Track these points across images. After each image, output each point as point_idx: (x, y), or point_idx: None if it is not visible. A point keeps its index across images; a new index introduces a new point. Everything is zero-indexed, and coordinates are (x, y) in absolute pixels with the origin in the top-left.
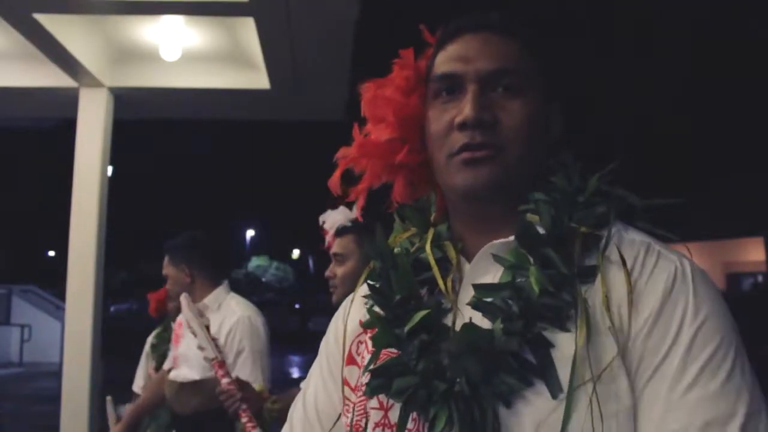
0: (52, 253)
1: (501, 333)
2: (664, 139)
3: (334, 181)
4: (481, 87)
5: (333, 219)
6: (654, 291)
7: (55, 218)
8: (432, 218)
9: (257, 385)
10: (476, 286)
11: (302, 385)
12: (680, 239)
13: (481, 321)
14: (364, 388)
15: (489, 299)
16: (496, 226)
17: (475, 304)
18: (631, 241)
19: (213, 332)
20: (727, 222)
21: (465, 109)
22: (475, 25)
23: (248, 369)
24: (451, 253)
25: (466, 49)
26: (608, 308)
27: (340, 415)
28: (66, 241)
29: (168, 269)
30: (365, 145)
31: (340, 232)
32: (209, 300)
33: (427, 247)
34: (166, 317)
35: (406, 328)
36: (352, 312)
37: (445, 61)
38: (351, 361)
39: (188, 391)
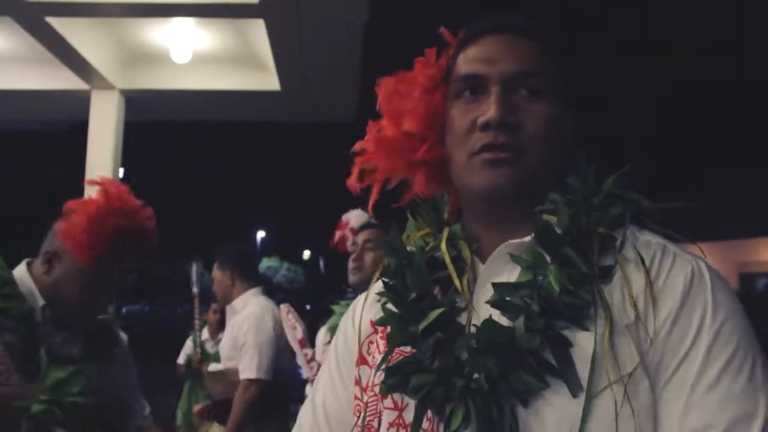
0: None
1: (522, 330)
2: (676, 138)
3: (353, 180)
4: (504, 88)
5: (358, 217)
6: (672, 291)
7: None
8: (446, 217)
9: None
10: (496, 285)
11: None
12: (692, 240)
13: (498, 320)
14: (376, 388)
15: (509, 297)
16: (512, 227)
17: (496, 302)
18: (647, 242)
19: (231, 325)
20: (740, 222)
21: (489, 110)
22: (497, 26)
23: (247, 358)
24: (466, 252)
25: (490, 50)
26: (635, 306)
27: (357, 418)
28: None
29: (215, 272)
30: (382, 141)
31: (365, 226)
32: (238, 301)
33: (443, 245)
34: None
35: (421, 326)
36: (363, 312)
37: (468, 61)
38: (362, 360)
39: (214, 379)
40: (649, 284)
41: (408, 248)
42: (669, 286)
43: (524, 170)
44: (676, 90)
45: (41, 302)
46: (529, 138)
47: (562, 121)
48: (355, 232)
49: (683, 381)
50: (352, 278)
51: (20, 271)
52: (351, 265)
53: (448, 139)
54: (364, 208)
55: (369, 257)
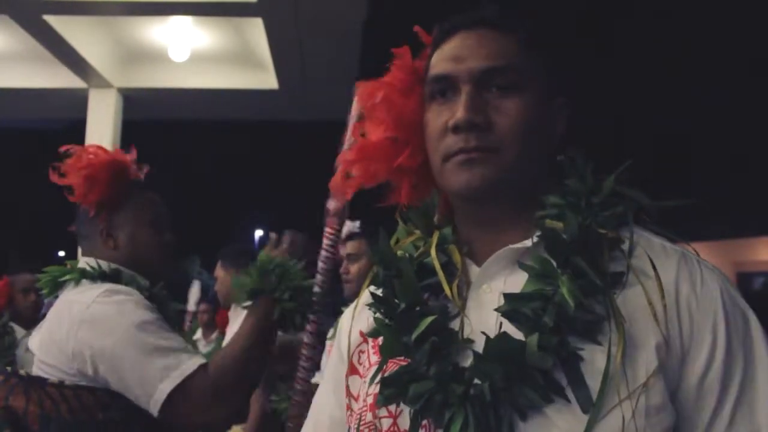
0: (62, 253)
1: (535, 348)
2: (676, 137)
3: (336, 183)
4: (475, 87)
5: (345, 227)
6: (709, 313)
7: (65, 218)
8: (436, 220)
9: None
10: (507, 296)
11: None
12: (689, 239)
13: (494, 326)
14: (369, 398)
15: (520, 308)
16: (503, 228)
17: (507, 313)
18: (661, 247)
19: (240, 323)
20: (738, 221)
21: (458, 111)
22: (469, 21)
23: None
24: (456, 257)
25: (460, 47)
26: (654, 317)
27: (349, 429)
28: (75, 240)
29: (219, 272)
30: (365, 147)
31: (350, 237)
32: None
33: (432, 251)
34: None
35: (414, 335)
36: (353, 322)
37: (439, 61)
38: (353, 370)
39: None
40: (664, 295)
41: (398, 253)
42: (704, 304)
43: (499, 168)
44: (675, 89)
45: (147, 283)
46: (502, 136)
47: (545, 115)
48: (342, 244)
49: (733, 411)
50: (345, 292)
51: (107, 268)
52: (343, 278)
53: (426, 143)
54: (351, 218)
55: (354, 269)
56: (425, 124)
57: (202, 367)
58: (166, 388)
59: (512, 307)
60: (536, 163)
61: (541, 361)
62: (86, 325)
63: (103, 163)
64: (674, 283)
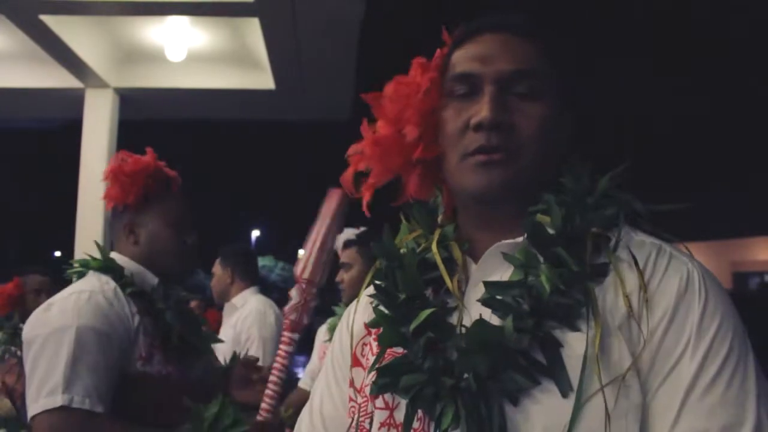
0: (58, 254)
1: (512, 330)
2: (672, 138)
3: (347, 179)
4: (499, 88)
5: (339, 238)
6: (667, 293)
7: (61, 219)
8: (439, 219)
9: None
10: (487, 284)
11: (300, 384)
12: (687, 239)
13: (489, 320)
14: (367, 389)
15: (500, 297)
16: (505, 227)
17: (486, 301)
18: (641, 242)
19: (232, 323)
20: (734, 222)
21: (482, 110)
22: (494, 25)
23: (252, 351)
24: (457, 253)
25: (486, 48)
26: (629, 305)
27: (352, 420)
28: (72, 241)
29: (216, 269)
30: (377, 141)
31: (346, 245)
32: (237, 299)
33: (434, 246)
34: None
35: (412, 327)
36: (357, 315)
37: (463, 60)
38: (356, 363)
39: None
40: (643, 284)
41: (401, 250)
42: (663, 287)
43: (517, 172)
44: (673, 89)
45: (155, 280)
46: (522, 139)
47: (559, 122)
48: (341, 251)
49: (676, 386)
50: (344, 299)
51: (119, 260)
52: (340, 287)
53: (441, 139)
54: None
55: (347, 277)
56: (443, 121)
57: (68, 410)
58: (32, 409)
59: (492, 294)
60: (547, 169)
61: (518, 342)
62: (41, 311)
63: (133, 166)
64: (644, 273)
